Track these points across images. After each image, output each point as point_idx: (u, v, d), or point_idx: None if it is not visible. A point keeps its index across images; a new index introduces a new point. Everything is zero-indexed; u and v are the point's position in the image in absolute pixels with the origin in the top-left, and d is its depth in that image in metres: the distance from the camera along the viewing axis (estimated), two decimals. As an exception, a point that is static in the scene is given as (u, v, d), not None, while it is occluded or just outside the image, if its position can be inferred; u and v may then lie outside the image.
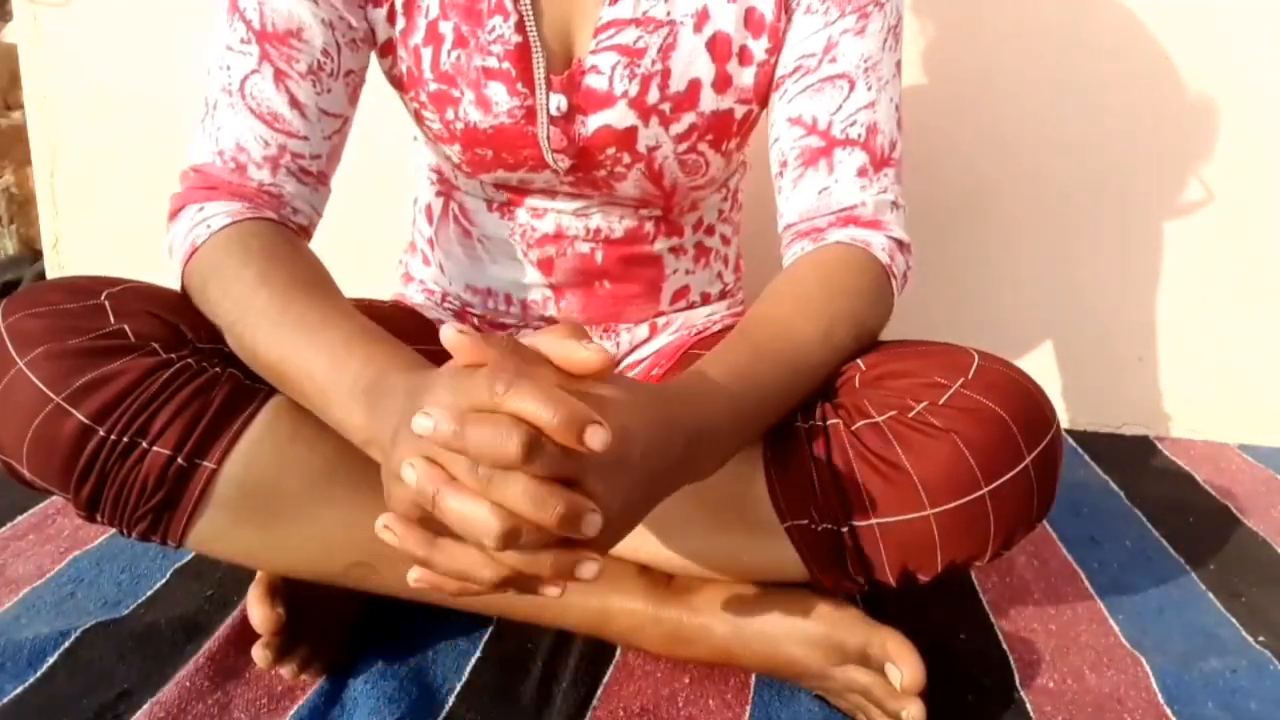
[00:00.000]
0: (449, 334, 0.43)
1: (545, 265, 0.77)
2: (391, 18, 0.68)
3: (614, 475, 0.43)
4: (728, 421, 0.53)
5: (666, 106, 0.68)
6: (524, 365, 0.43)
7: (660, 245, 0.78)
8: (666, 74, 0.67)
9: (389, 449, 0.45)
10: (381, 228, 1.15)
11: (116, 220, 1.34)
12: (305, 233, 0.68)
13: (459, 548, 0.43)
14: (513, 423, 0.40)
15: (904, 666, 0.58)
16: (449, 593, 0.45)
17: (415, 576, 0.45)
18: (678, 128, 0.69)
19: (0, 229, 1.54)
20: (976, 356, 0.60)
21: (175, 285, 0.64)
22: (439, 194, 0.81)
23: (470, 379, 0.42)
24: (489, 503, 0.40)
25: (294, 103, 0.64)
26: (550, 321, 0.80)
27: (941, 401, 0.57)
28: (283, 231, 0.64)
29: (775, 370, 0.57)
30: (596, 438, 0.40)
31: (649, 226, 0.77)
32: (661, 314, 0.82)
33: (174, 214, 0.64)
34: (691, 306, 0.84)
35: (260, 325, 0.57)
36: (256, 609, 0.61)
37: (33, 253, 1.54)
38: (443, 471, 0.41)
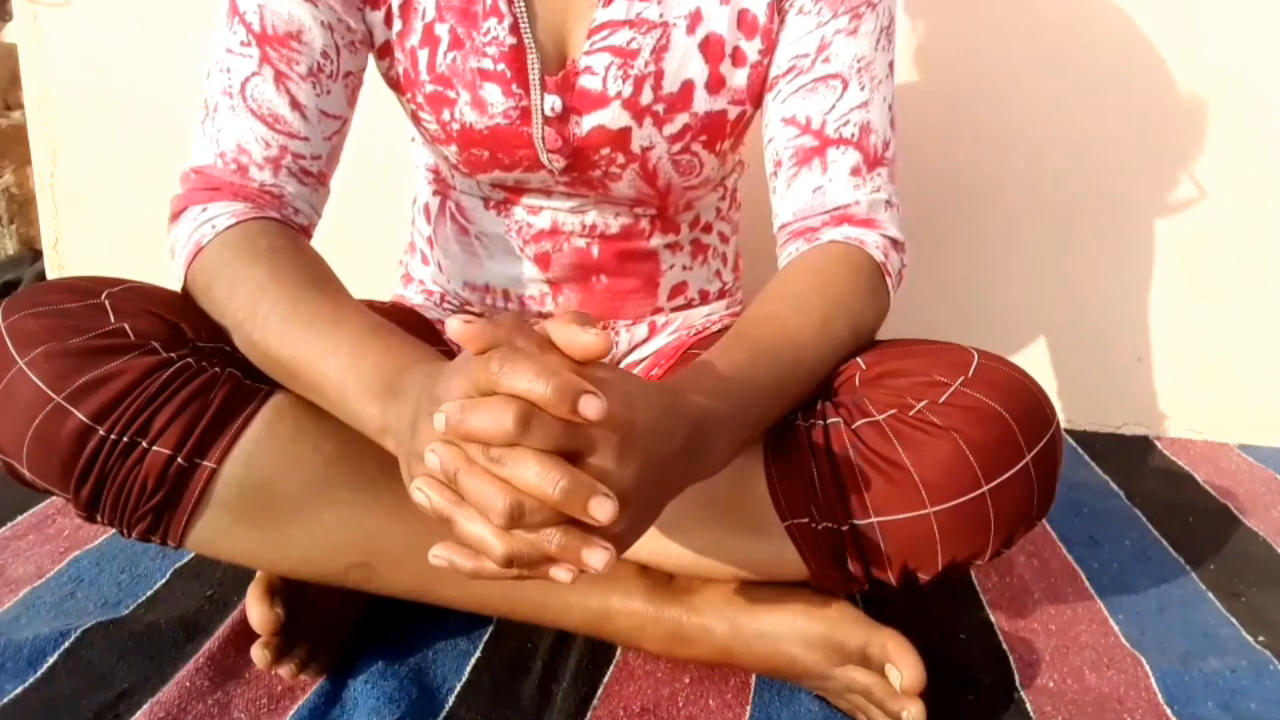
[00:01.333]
0: (454, 325, 0.44)
1: (542, 261, 0.77)
2: (389, 20, 0.68)
3: (620, 457, 0.43)
4: (727, 413, 0.52)
5: (660, 107, 0.68)
6: (526, 346, 0.44)
7: (656, 241, 0.79)
8: (660, 75, 0.67)
9: (409, 436, 0.46)
10: (381, 228, 1.16)
11: (116, 220, 1.34)
12: (305, 233, 0.68)
13: (476, 518, 0.43)
14: (508, 399, 0.41)
15: (904, 667, 0.58)
16: (466, 574, 0.46)
17: (435, 553, 0.46)
18: (671, 128, 0.69)
19: (0, 229, 1.54)
20: (976, 355, 0.60)
21: (175, 286, 0.64)
22: (436, 193, 0.81)
23: (477, 366, 0.43)
24: (498, 479, 0.41)
25: (295, 104, 0.64)
26: (548, 317, 0.80)
27: (942, 400, 0.57)
28: (287, 231, 0.64)
29: (772, 366, 0.57)
30: (590, 406, 0.41)
31: (645, 224, 0.77)
32: (660, 311, 0.82)
33: (176, 215, 0.65)
34: (690, 304, 0.84)
35: (270, 323, 0.57)
36: (256, 609, 0.61)
37: (33, 253, 1.54)
38: (462, 453, 0.43)
